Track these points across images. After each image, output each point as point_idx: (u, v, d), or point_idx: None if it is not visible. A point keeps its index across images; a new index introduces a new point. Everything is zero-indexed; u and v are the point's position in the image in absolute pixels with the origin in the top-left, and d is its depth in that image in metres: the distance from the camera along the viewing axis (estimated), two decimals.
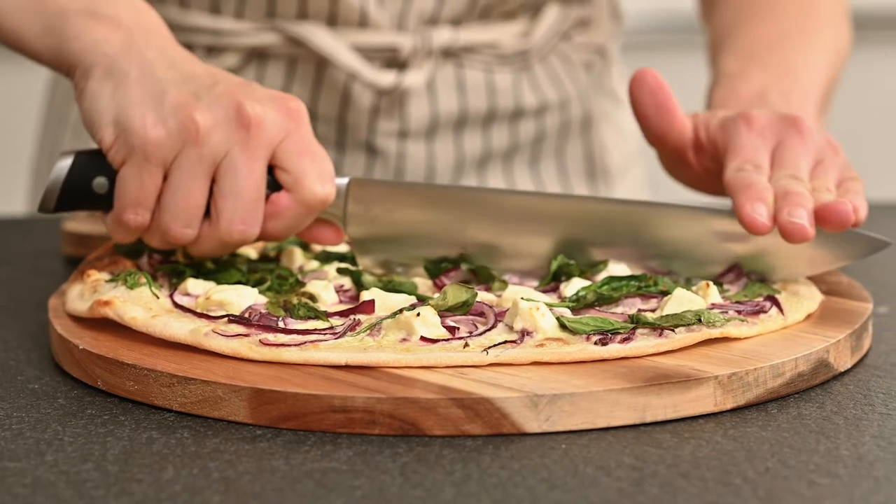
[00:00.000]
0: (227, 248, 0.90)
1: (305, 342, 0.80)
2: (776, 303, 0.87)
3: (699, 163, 1.00)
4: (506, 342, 0.80)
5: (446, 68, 1.22)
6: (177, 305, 0.86)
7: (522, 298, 0.84)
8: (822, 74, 1.12)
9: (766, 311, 0.86)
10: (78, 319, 0.87)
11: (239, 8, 1.19)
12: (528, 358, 0.79)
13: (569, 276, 0.92)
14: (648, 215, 0.94)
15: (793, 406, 0.78)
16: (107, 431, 0.74)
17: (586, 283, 0.90)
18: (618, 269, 0.93)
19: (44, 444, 0.73)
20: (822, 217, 0.88)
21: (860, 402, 0.78)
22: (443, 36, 1.20)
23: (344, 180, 0.93)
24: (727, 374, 0.77)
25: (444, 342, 0.80)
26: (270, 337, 0.81)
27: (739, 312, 0.86)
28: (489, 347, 0.79)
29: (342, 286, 0.91)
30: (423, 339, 0.81)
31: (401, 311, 0.82)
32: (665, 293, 0.88)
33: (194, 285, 0.89)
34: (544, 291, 0.90)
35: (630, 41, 1.65)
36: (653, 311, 0.86)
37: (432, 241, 0.95)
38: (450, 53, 1.22)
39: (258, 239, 0.90)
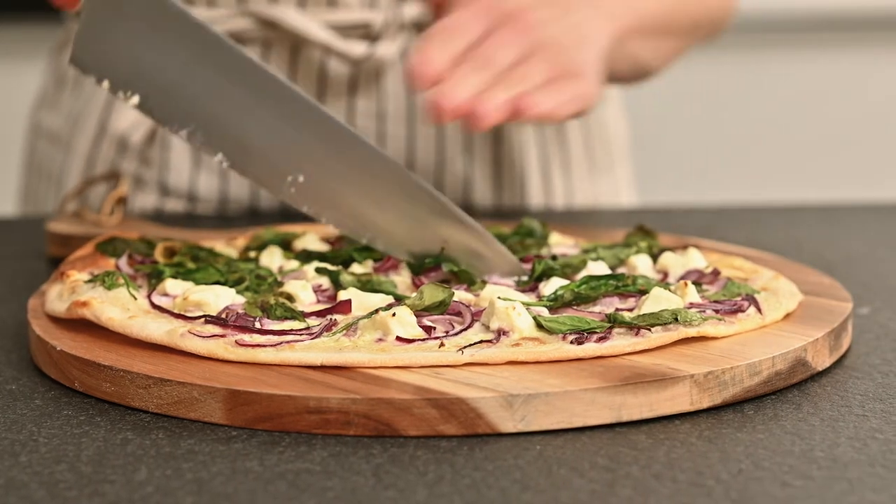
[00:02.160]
0: None
1: (281, 343, 0.80)
2: (754, 302, 0.87)
3: None
4: (482, 342, 0.80)
5: None
6: (154, 306, 0.86)
7: (499, 298, 0.84)
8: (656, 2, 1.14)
9: (744, 311, 0.86)
10: (57, 320, 0.87)
11: None
12: (504, 357, 0.79)
13: (549, 276, 0.92)
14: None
15: (769, 407, 0.78)
16: (82, 432, 0.74)
17: (565, 282, 0.90)
18: (596, 267, 0.93)
19: (18, 445, 0.72)
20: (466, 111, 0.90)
21: (837, 403, 0.78)
22: (414, 9, 1.22)
23: None
24: (703, 372, 0.77)
25: (419, 342, 0.80)
26: (246, 338, 0.81)
27: (717, 312, 0.86)
28: (465, 347, 0.79)
29: (320, 286, 0.91)
30: (398, 338, 0.81)
31: (377, 310, 0.82)
32: (643, 292, 0.88)
33: (173, 285, 0.89)
34: (523, 291, 0.90)
35: None
36: (630, 310, 0.86)
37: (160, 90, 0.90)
38: (424, 27, 1.23)
39: None
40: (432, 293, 0.85)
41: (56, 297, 0.89)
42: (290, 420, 0.74)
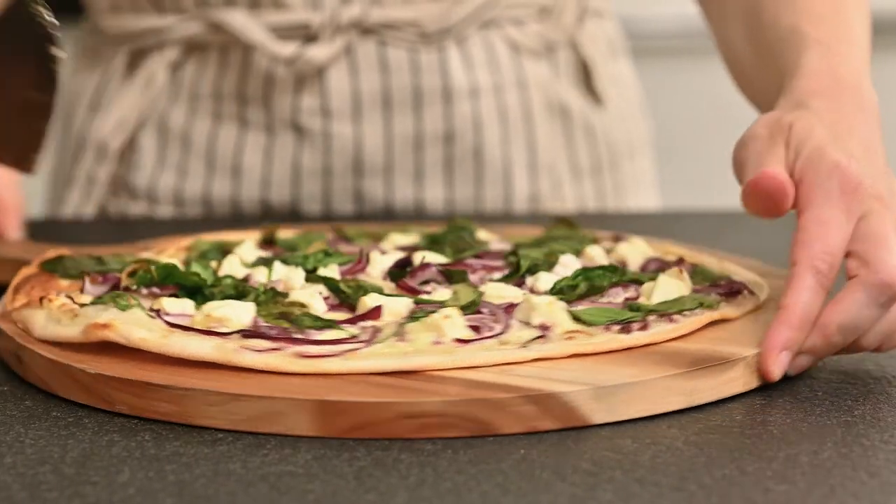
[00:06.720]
0: None
1: (344, 352, 0.79)
2: (743, 284, 0.90)
3: None
4: (538, 337, 0.81)
5: (367, 46, 1.26)
6: (171, 325, 0.83)
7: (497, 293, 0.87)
8: (867, 43, 1.01)
9: (741, 292, 0.89)
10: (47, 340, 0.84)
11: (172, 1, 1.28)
12: (567, 351, 0.80)
13: (534, 271, 0.92)
14: None
15: (759, 412, 0.78)
16: (68, 434, 0.75)
17: (555, 276, 0.91)
18: (567, 261, 0.94)
19: (4, 447, 0.73)
20: None
21: (828, 408, 0.78)
22: (353, 11, 1.25)
23: None
24: (753, 354, 0.80)
25: (477, 341, 0.81)
26: (312, 349, 0.80)
27: (721, 294, 0.89)
28: (527, 343, 0.80)
29: (319, 293, 0.90)
30: (457, 340, 0.81)
31: (427, 314, 0.82)
32: (636, 281, 0.90)
33: (170, 304, 0.86)
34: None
35: (643, 45, 1.64)
36: (635, 298, 0.88)
37: None
38: (368, 30, 1.26)
39: None
40: (465, 293, 0.86)
41: (52, 323, 0.85)
42: (386, 427, 0.74)
